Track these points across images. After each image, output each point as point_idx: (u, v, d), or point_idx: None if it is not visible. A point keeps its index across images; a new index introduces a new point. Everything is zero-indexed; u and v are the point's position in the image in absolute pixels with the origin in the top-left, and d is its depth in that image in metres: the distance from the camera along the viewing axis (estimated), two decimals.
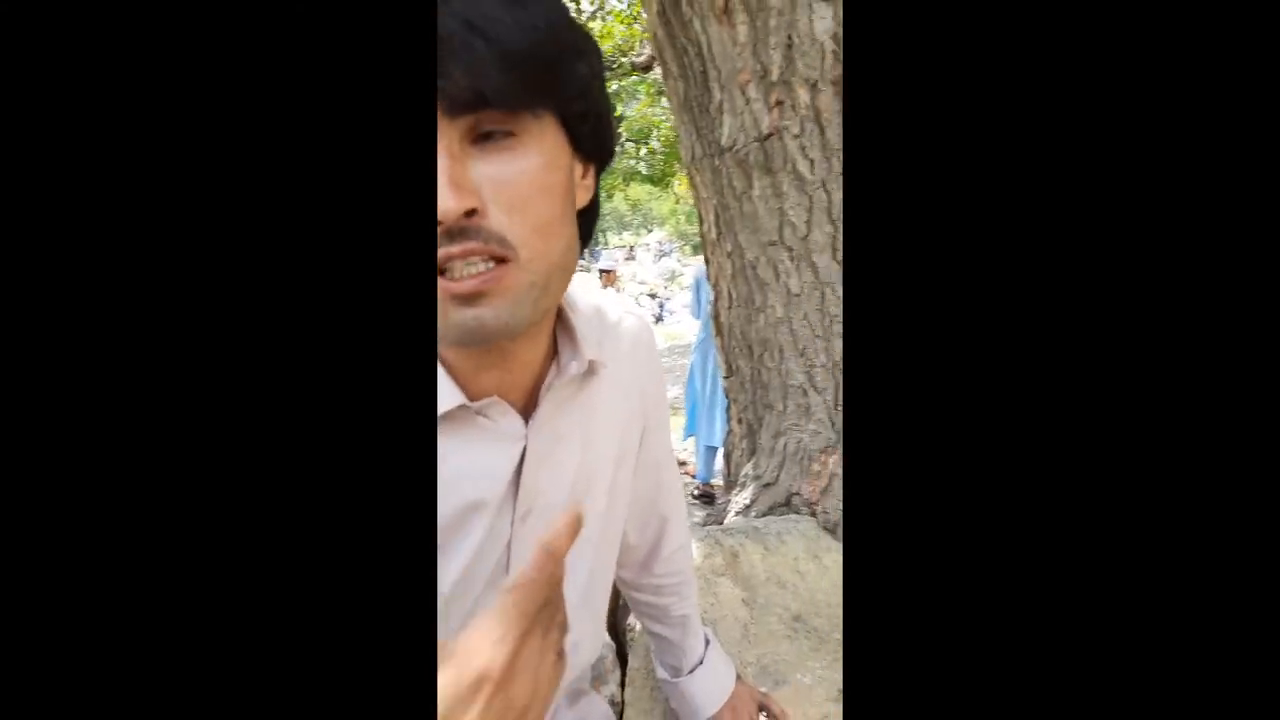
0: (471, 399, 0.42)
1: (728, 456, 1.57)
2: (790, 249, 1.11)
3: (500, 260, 0.35)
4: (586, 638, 0.57)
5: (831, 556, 1.09)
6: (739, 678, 0.79)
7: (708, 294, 2.93)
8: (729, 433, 1.54)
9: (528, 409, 0.46)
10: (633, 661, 0.88)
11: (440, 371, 0.41)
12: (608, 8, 5.13)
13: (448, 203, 0.33)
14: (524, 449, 0.46)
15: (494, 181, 0.35)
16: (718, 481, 3.37)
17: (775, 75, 1.05)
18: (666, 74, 1.32)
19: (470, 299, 0.35)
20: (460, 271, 0.35)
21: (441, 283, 0.35)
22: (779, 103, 1.07)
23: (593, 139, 0.41)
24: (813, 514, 1.16)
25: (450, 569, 0.45)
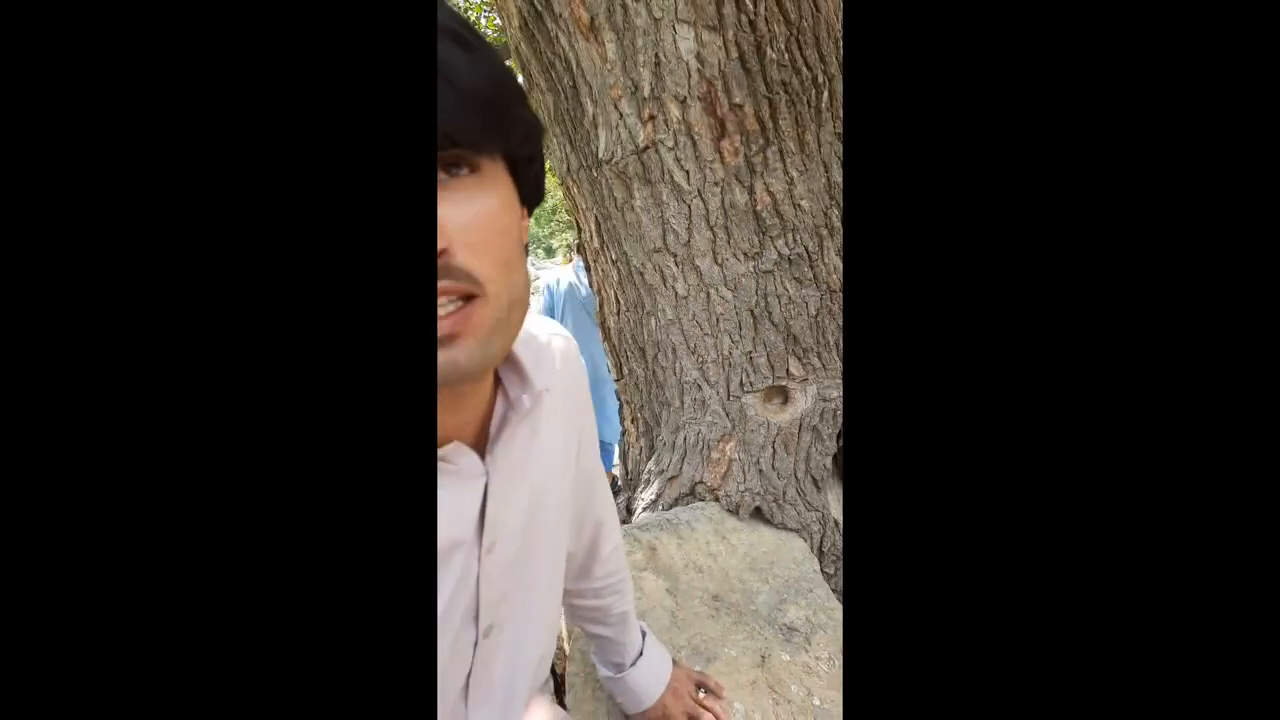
0: None
1: (624, 455, 1.62)
2: (675, 254, 1.18)
3: (468, 297, 0.36)
4: (551, 650, 0.59)
5: (738, 536, 1.18)
6: (675, 661, 0.84)
7: (556, 301, 2.92)
8: (624, 433, 1.59)
9: (479, 444, 0.48)
10: (570, 667, 0.90)
11: None
12: None
13: None
14: (485, 485, 0.47)
15: (458, 222, 0.36)
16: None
17: (646, 91, 1.11)
18: (532, 86, 1.34)
19: (443, 342, 0.36)
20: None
21: None
22: (652, 117, 1.13)
23: (534, 183, 0.43)
24: (716, 499, 1.24)
25: (442, 591, 0.45)
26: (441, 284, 0.35)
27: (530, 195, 0.43)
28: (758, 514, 1.23)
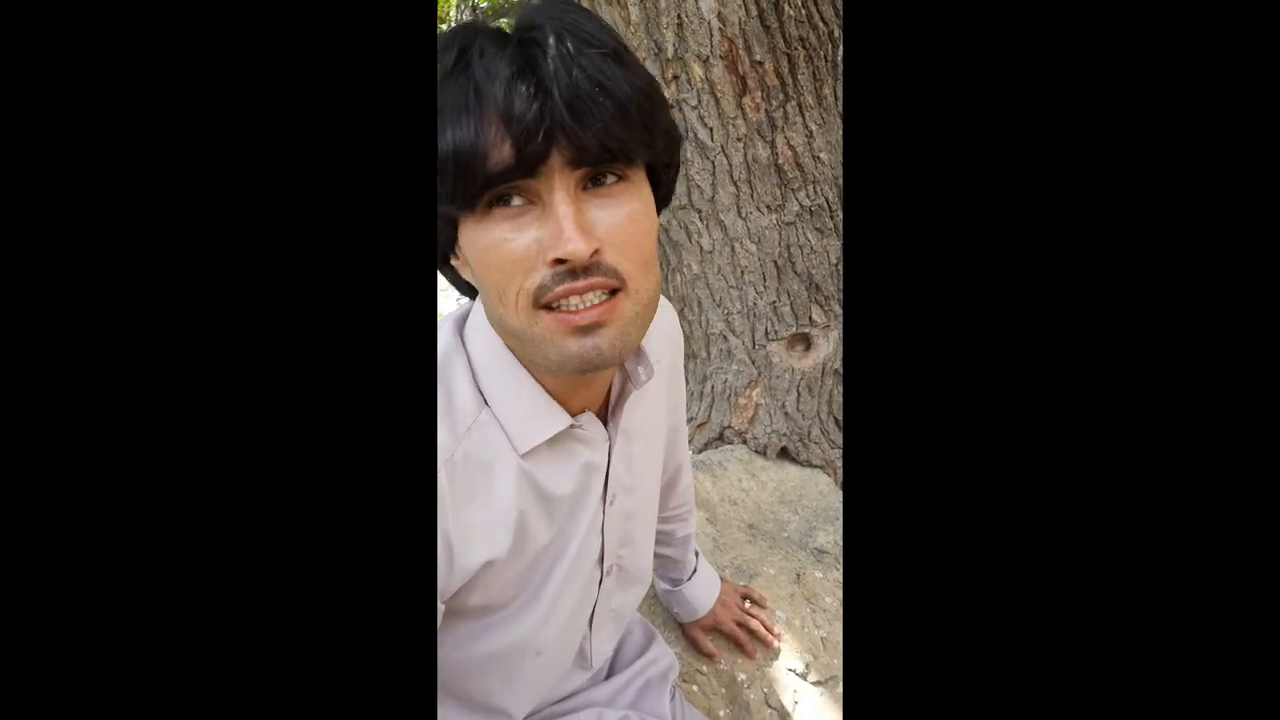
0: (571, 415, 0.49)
1: None
2: (699, 210, 1.24)
3: (614, 291, 0.40)
4: (650, 578, 0.68)
5: (766, 473, 1.26)
6: (722, 579, 0.93)
7: None
8: None
9: (603, 413, 0.54)
10: None
11: (547, 398, 0.47)
12: None
13: (578, 245, 0.37)
14: (609, 448, 0.54)
15: (607, 224, 0.39)
16: None
17: (670, 52, 1.16)
18: None
19: (589, 330, 0.40)
20: (577, 304, 0.39)
21: (559, 317, 0.39)
22: (675, 77, 1.18)
23: (667, 186, 0.46)
24: (744, 442, 1.32)
25: (570, 548, 0.53)
26: (595, 280, 0.39)
27: (663, 196, 0.46)
28: (784, 453, 1.31)
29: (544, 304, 0.40)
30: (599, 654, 0.64)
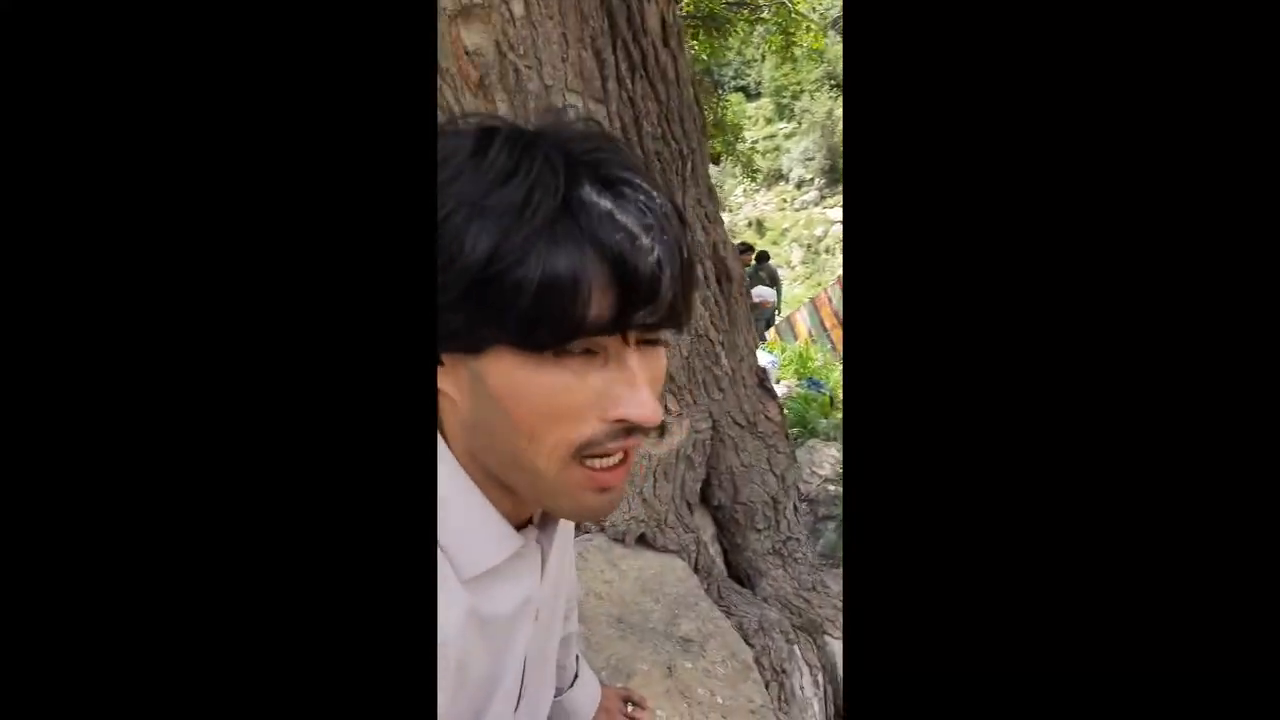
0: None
1: None
2: None
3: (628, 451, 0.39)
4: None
5: (626, 562, 1.26)
6: (601, 682, 0.90)
7: None
8: None
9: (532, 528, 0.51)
10: None
11: (504, 522, 0.44)
12: None
13: (655, 415, 0.36)
14: (543, 563, 0.50)
15: (655, 386, 0.39)
16: None
17: None
18: None
19: (610, 489, 0.39)
20: (605, 463, 0.38)
21: (590, 475, 0.38)
22: None
23: None
24: (602, 529, 1.31)
25: (505, 678, 0.48)
26: (638, 437, 0.38)
27: None
28: (642, 540, 1.33)
29: (581, 456, 0.37)
30: None
